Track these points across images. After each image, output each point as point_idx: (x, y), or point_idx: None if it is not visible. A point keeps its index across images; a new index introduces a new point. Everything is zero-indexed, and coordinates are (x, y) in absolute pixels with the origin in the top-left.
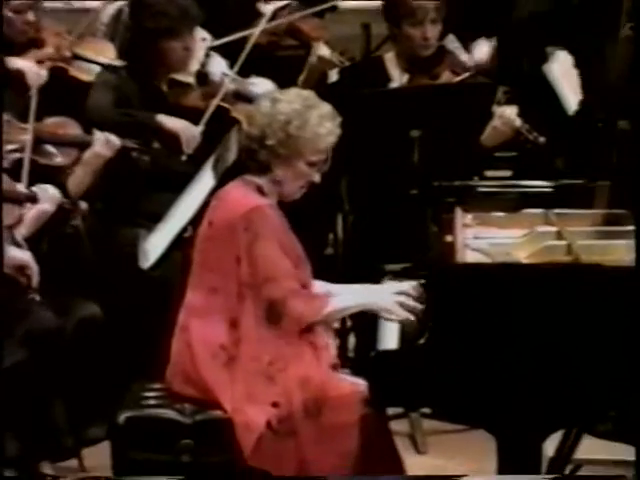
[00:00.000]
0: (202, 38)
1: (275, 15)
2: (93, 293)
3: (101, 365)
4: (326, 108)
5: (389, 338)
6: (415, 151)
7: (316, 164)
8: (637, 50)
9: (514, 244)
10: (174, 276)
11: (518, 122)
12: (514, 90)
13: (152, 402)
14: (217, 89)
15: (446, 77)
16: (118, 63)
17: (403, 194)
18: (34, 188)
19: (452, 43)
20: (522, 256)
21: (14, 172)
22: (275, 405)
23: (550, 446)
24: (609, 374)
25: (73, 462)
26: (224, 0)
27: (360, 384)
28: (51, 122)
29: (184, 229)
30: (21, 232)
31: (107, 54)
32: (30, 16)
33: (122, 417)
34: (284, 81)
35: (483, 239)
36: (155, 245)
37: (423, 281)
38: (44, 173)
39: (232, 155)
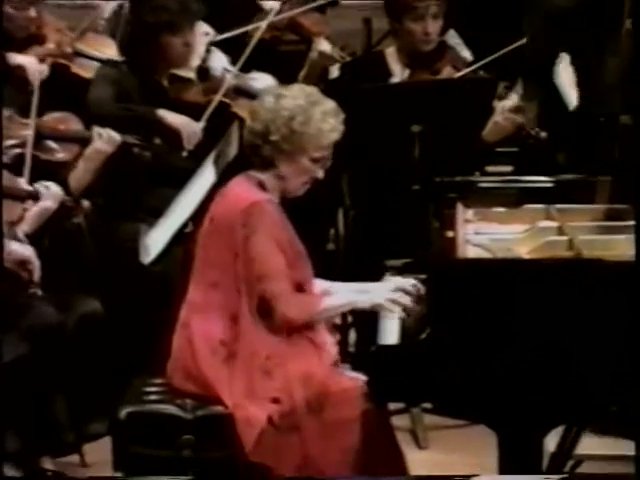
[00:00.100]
0: (205, 33)
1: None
2: (94, 288)
3: (102, 360)
4: (330, 104)
5: (390, 333)
6: (416, 146)
7: (319, 160)
8: (637, 45)
9: (515, 239)
10: (175, 271)
11: (519, 117)
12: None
13: (153, 397)
14: (218, 84)
15: (447, 72)
16: (119, 59)
17: (404, 189)
18: (37, 185)
19: (453, 38)
20: (523, 251)
21: (15, 167)
22: (276, 401)
23: (551, 441)
24: (610, 369)
25: (74, 457)
26: None
27: (361, 379)
28: (52, 117)
29: (185, 224)
30: (23, 229)
31: (108, 50)
32: (32, 12)
33: (123, 412)
34: (285, 76)
35: (484, 234)
36: (156, 240)
37: (424, 277)
38: (45, 169)
39: (233, 150)
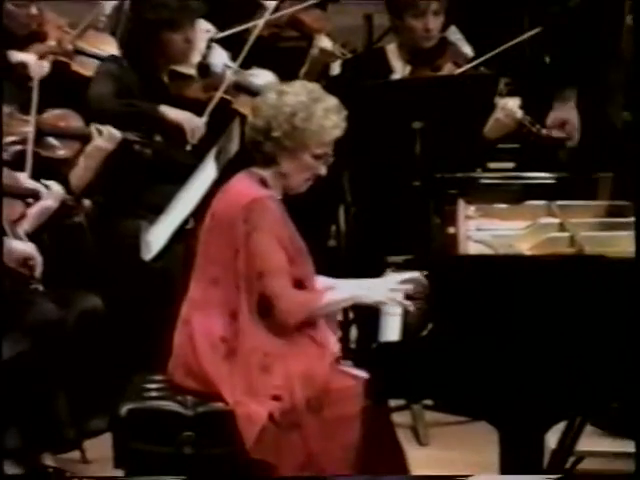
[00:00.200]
0: (206, 30)
1: (277, 7)
2: (95, 285)
3: (103, 357)
4: (332, 101)
5: (391, 330)
6: (417, 143)
7: (321, 157)
8: (637, 42)
9: (517, 236)
10: (176, 268)
11: (520, 114)
12: (516, 82)
13: (154, 394)
14: (219, 81)
15: (448, 69)
16: (120, 55)
17: (405, 186)
18: (38, 184)
19: (454, 34)
20: (525, 248)
21: (16, 164)
22: (277, 398)
23: (552, 438)
24: (611, 366)
25: (75, 454)
26: None
27: (362, 376)
28: (53, 114)
29: (186, 221)
30: (24, 228)
31: (109, 48)
32: (33, 9)
33: (124, 409)
34: (286, 73)
35: (486, 231)
36: (157, 237)
37: (425, 273)
38: (46, 166)
39: (234, 147)
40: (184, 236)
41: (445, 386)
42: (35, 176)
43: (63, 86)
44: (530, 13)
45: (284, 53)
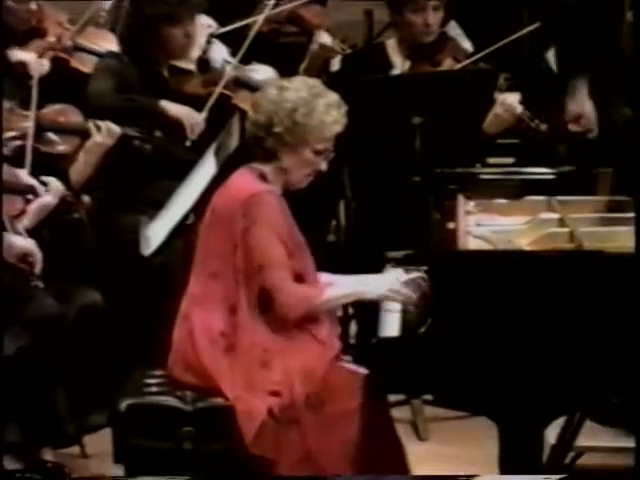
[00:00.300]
0: (207, 25)
1: (277, 2)
2: (94, 280)
3: (102, 352)
4: (333, 97)
5: (391, 325)
6: (417, 138)
7: (322, 152)
8: (637, 37)
9: (516, 231)
10: (175, 263)
11: (520, 109)
12: (516, 77)
13: (153, 389)
14: (218, 76)
15: (448, 64)
16: (120, 51)
17: (405, 181)
18: (37, 180)
19: (454, 30)
20: (524, 243)
21: (16, 160)
22: (276, 394)
23: (552, 433)
24: (611, 361)
25: (75, 449)
26: None
27: (362, 371)
28: (52, 110)
29: (186, 216)
30: (24, 224)
31: (108, 45)
32: (32, 5)
33: (123, 404)
34: (285, 68)
35: (485, 226)
36: (157, 232)
37: (425, 268)
38: (46, 161)
39: (234, 142)
40: (184, 231)
41: (445, 381)
42: (35, 172)
43: (63, 82)
44: (530, 8)
45: (284, 49)
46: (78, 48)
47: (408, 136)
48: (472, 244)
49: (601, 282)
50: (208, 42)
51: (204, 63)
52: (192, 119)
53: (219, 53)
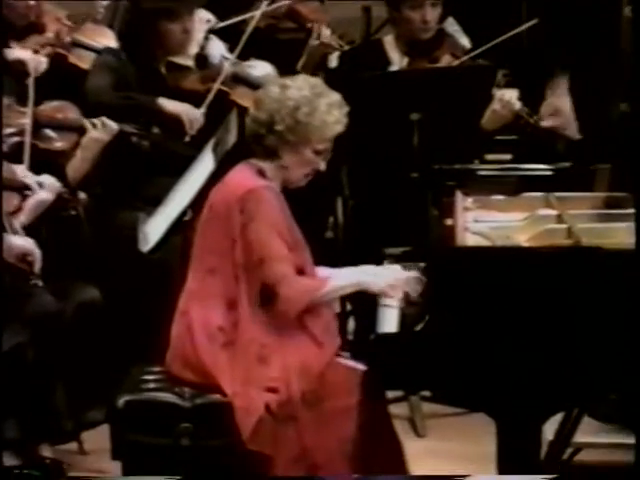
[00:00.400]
0: (207, 20)
1: None
2: (93, 277)
3: (101, 348)
4: (335, 96)
5: (388, 321)
6: (415, 134)
7: (322, 152)
8: (636, 33)
9: (514, 227)
10: (174, 259)
11: (518, 105)
12: (514, 73)
13: (151, 385)
14: (216, 72)
15: (446, 60)
16: (117, 47)
17: (403, 177)
18: (34, 177)
19: (452, 26)
20: (522, 239)
21: (14, 156)
22: (273, 390)
23: (550, 429)
24: (609, 357)
25: (73, 445)
26: None
27: (359, 368)
28: (50, 106)
29: (184, 212)
30: (21, 220)
31: (106, 41)
32: (31, 1)
33: (121, 400)
34: (283, 64)
35: (483, 222)
36: (155, 228)
37: (423, 265)
38: (44, 157)
39: (232, 138)
40: (182, 228)
41: (443, 377)
42: (33, 168)
43: (60, 79)
44: (528, 4)
45: (282, 45)
46: (76, 44)
47: (406, 132)
48: (470, 240)
49: (599, 278)
50: (206, 38)
51: (202, 59)
52: (191, 115)
53: (217, 49)
